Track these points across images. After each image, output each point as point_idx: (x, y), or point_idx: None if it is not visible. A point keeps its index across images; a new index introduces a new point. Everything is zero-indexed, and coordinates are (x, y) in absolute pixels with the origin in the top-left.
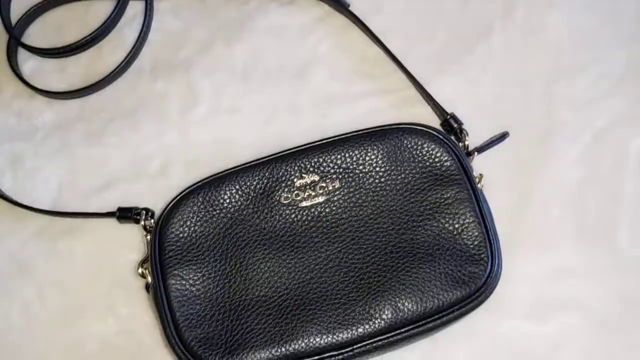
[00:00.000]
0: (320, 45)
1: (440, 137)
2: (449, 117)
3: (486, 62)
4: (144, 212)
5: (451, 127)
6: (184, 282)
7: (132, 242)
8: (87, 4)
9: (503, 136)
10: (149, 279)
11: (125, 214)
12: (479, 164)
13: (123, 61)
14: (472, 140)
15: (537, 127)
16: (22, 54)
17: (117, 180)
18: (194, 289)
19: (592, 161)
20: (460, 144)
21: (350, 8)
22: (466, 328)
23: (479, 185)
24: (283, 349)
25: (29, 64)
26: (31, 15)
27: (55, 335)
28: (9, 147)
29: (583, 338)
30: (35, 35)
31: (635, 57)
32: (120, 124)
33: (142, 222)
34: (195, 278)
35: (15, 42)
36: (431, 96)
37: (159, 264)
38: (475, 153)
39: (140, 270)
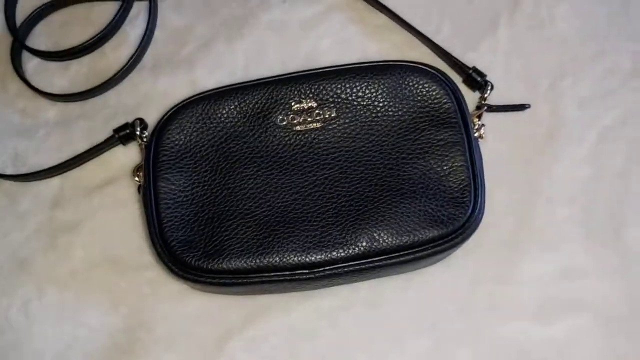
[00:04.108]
0: (323, 40)
1: (442, 78)
2: (471, 71)
3: (491, 57)
4: (137, 121)
5: (475, 81)
6: (172, 187)
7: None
8: (90, 6)
9: (523, 107)
10: (142, 181)
11: (122, 130)
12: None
13: (127, 63)
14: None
15: (543, 124)
16: (27, 53)
17: (119, 177)
18: (181, 194)
19: (600, 159)
20: (485, 95)
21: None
22: (471, 328)
23: (476, 134)
24: (257, 260)
25: (33, 62)
26: (36, 17)
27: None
28: (12, 143)
29: (591, 340)
30: (40, 35)
31: None
32: (122, 121)
33: (138, 131)
34: (184, 184)
35: (19, 45)
36: (450, 54)
37: (152, 165)
38: (485, 108)
39: (135, 178)
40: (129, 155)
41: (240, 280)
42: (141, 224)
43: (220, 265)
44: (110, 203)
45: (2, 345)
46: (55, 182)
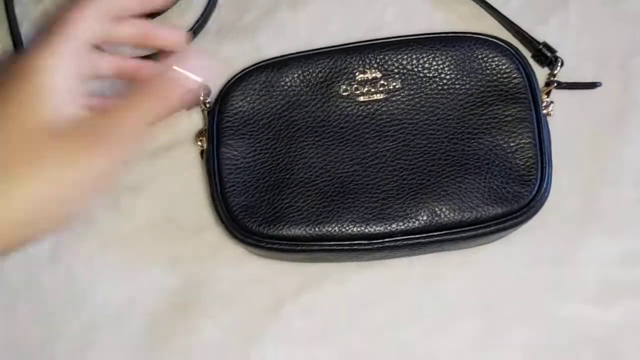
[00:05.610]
0: (388, 10)
1: (513, 52)
2: (541, 46)
3: (560, 33)
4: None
5: (545, 56)
6: (235, 153)
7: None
8: None
9: (594, 85)
10: (205, 146)
11: None
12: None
13: (192, 28)
14: None
15: (612, 103)
16: None
17: (182, 141)
18: (243, 160)
19: None
20: (555, 72)
21: None
22: (527, 308)
23: (544, 111)
24: (316, 229)
25: None
26: None
27: None
28: None
29: None
30: None
31: None
32: None
33: (201, 97)
34: (246, 151)
35: None
36: (520, 28)
37: (215, 131)
38: (554, 85)
39: (198, 143)
40: (191, 120)
41: (298, 248)
42: (202, 188)
43: (279, 232)
44: (172, 166)
45: (66, 300)
46: None
